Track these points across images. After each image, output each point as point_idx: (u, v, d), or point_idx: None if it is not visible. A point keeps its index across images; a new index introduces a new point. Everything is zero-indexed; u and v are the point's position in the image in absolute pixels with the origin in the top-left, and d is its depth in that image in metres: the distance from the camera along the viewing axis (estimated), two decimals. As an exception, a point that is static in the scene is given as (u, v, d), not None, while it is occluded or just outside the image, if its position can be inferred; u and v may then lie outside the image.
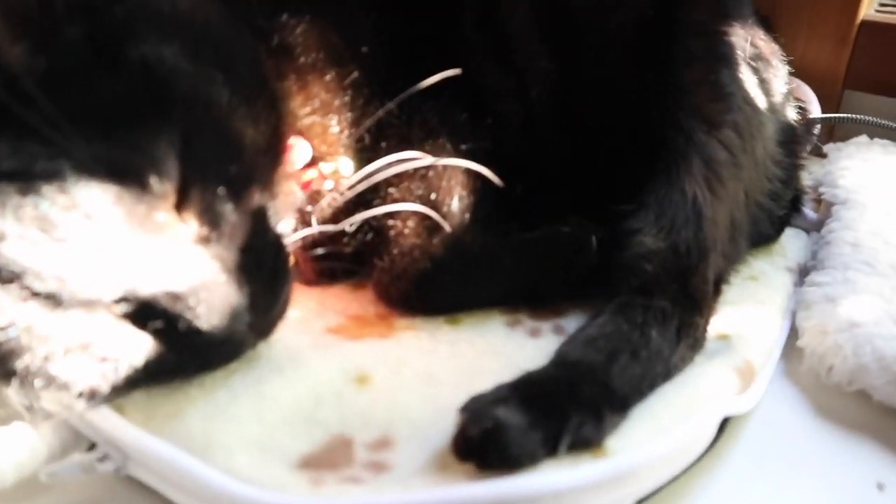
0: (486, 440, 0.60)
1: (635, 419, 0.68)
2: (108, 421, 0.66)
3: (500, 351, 0.80)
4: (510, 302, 0.86)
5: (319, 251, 0.79)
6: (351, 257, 0.85)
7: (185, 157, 0.62)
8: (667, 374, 0.75)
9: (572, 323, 0.85)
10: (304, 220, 0.80)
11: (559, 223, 0.87)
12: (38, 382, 0.63)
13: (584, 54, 0.93)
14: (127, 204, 0.59)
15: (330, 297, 0.87)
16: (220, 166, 0.65)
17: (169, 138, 0.61)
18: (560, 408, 0.63)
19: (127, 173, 0.59)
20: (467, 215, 0.84)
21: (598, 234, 0.86)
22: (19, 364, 0.61)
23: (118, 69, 0.62)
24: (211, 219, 0.65)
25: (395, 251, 0.82)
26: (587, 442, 0.63)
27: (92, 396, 0.64)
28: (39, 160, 0.58)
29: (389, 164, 0.79)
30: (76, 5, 0.63)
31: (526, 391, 0.64)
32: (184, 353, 0.65)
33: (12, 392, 0.68)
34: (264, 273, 0.67)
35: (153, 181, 0.60)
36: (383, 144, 0.82)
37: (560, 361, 0.71)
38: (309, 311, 0.82)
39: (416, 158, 0.79)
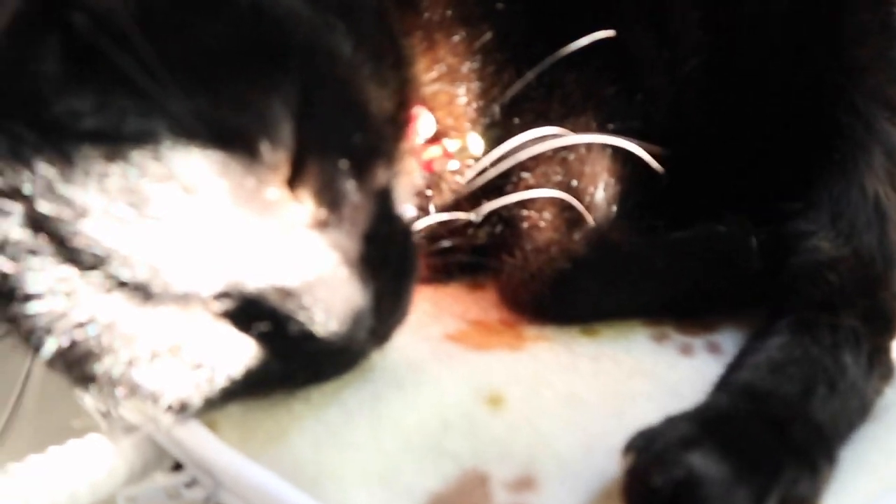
0: (677, 494, 0.47)
1: (847, 470, 0.54)
2: (198, 439, 0.55)
3: (649, 370, 0.67)
4: (656, 311, 0.73)
5: (442, 244, 0.67)
6: (470, 252, 0.72)
7: (301, 120, 0.51)
8: (863, 410, 0.62)
9: (728, 340, 0.71)
10: (422, 206, 0.68)
11: (711, 221, 0.73)
12: (119, 390, 0.52)
13: (741, 26, 0.79)
14: (233, 175, 0.48)
15: (446, 297, 0.74)
16: (343, 134, 0.53)
17: (284, 96, 0.50)
18: (769, 456, 0.49)
19: (234, 136, 0.48)
20: (614, 207, 0.71)
21: (759, 235, 0.72)
22: (99, 368, 0.50)
23: (224, 9, 0.50)
24: (330, 198, 0.53)
25: (529, 247, 0.69)
26: (801, 501, 0.49)
27: (181, 409, 0.54)
28: (130, 117, 0.47)
29: (527, 143, 0.66)
30: None
31: (720, 431, 0.51)
32: (292, 361, 0.54)
33: (89, 399, 0.58)
34: (390, 268, 0.55)
35: (264, 148, 0.49)
36: (516, 120, 0.70)
37: (746, 391, 0.58)
38: (423, 314, 0.70)
39: (559, 135, 0.66)
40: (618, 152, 0.71)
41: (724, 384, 0.61)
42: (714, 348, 0.71)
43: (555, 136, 0.66)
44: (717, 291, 0.73)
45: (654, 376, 0.66)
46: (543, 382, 0.63)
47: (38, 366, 0.60)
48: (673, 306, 0.72)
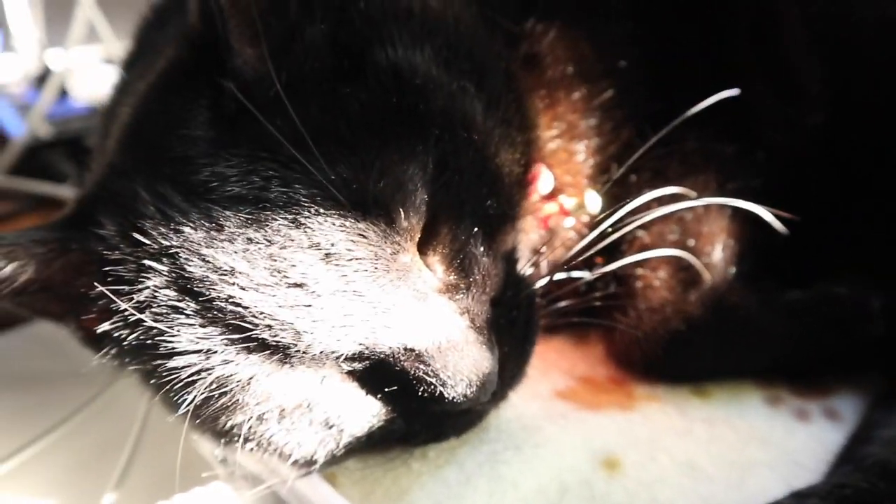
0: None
1: None
2: (320, 493, 0.55)
3: (766, 437, 0.64)
4: (770, 374, 0.70)
5: (557, 305, 0.66)
6: (578, 309, 0.71)
7: (436, 187, 0.51)
8: None
9: (847, 406, 0.69)
10: (536, 263, 0.68)
11: (831, 282, 0.71)
12: (248, 442, 0.53)
13: (866, 81, 0.77)
14: (372, 244, 0.49)
15: (551, 352, 0.74)
16: (476, 200, 0.54)
17: (421, 164, 0.50)
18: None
19: (375, 204, 0.48)
20: (731, 269, 0.69)
21: (881, 297, 0.69)
22: (231, 422, 0.51)
23: (365, 77, 0.51)
24: (461, 264, 0.53)
25: (643, 306, 0.68)
26: None
27: (307, 464, 0.54)
28: (274, 184, 0.48)
29: (649, 204, 0.65)
30: (315, 3, 0.53)
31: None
32: (416, 421, 0.54)
33: (206, 446, 0.59)
34: (517, 332, 0.55)
35: (402, 215, 0.49)
36: (633, 178, 0.69)
37: (880, 469, 0.55)
38: (531, 369, 0.69)
39: (680, 197, 0.65)
40: (737, 212, 0.69)
41: (851, 458, 0.59)
42: (832, 414, 0.68)
43: (675, 196, 0.65)
44: (835, 356, 0.70)
45: (771, 444, 0.64)
46: (659, 447, 0.61)
47: (154, 411, 0.62)
48: (788, 370, 0.70)
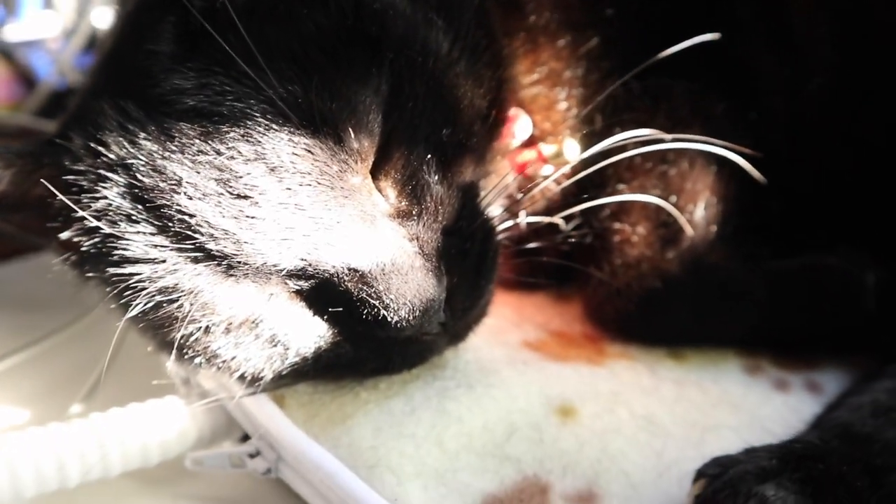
0: (746, 528, 0.43)
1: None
2: (266, 413, 0.55)
3: (738, 403, 0.63)
4: (752, 344, 0.68)
5: (527, 246, 0.65)
6: (557, 263, 0.70)
7: (390, 111, 0.51)
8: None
9: (831, 380, 0.66)
10: (512, 210, 0.67)
11: (823, 253, 0.68)
12: (196, 356, 0.54)
13: (876, 44, 0.73)
14: (319, 159, 0.49)
15: (528, 306, 0.73)
16: (431, 127, 0.53)
17: (376, 86, 0.51)
18: (857, 501, 0.45)
19: (323, 122, 0.49)
20: (714, 228, 0.67)
21: (875, 272, 0.66)
22: (179, 333, 0.52)
23: (325, 3, 0.52)
24: (413, 190, 0.53)
25: (619, 261, 0.67)
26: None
27: (253, 381, 0.55)
28: (227, 98, 0.49)
29: (620, 149, 0.63)
30: None
31: (804, 468, 0.47)
32: (362, 347, 0.54)
33: (171, 364, 0.60)
34: (469, 263, 0.55)
35: (352, 135, 0.50)
36: (617, 131, 0.67)
37: (842, 431, 0.53)
38: (503, 319, 0.69)
39: (654, 138, 0.63)
40: (722, 170, 0.67)
41: (819, 423, 0.57)
42: (814, 387, 0.65)
43: (652, 138, 0.63)
44: (822, 330, 0.67)
45: (742, 409, 0.62)
46: (620, 401, 0.60)
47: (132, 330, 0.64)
48: (771, 340, 0.68)
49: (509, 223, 0.64)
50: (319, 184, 0.49)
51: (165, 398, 0.59)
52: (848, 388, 0.62)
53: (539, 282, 0.70)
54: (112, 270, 0.52)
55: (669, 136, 0.62)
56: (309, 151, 0.49)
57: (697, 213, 0.67)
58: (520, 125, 0.65)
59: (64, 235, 0.54)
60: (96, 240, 0.52)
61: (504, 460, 0.54)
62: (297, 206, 0.49)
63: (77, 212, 0.52)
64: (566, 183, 0.66)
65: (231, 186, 0.49)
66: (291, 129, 0.48)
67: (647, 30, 0.67)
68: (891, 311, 0.65)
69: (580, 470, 0.54)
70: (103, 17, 1.20)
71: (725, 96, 0.68)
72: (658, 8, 0.67)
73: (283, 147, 0.48)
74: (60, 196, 0.51)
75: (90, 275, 0.55)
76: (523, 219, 0.65)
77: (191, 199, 0.49)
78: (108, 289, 0.54)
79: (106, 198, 0.51)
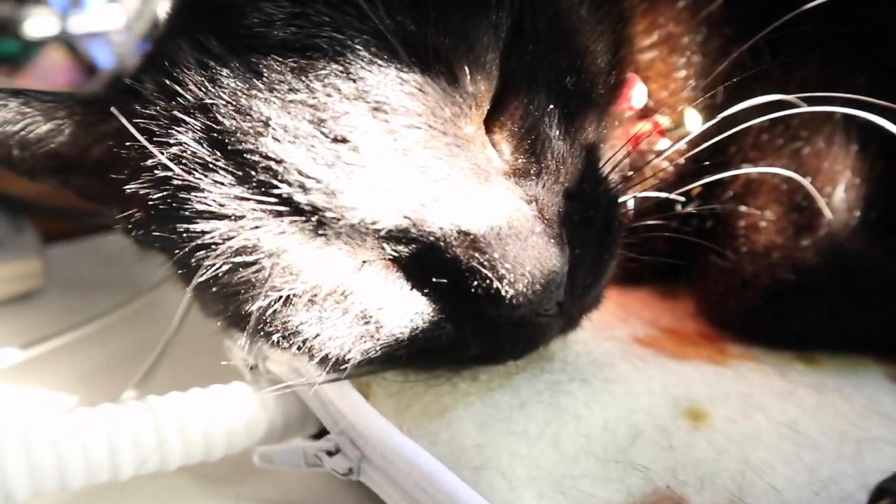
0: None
1: None
2: (350, 403, 0.48)
3: (889, 413, 0.54)
4: (893, 347, 0.59)
5: (645, 221, 0.57)
6: (666, 250, 0.62)
7: (509, 52, 0.44)
8: None
9: None
10: (624, 188, 0.59)
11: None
12: (273, 333, 0.47)
13: None
14: (429, 101, 0.42)
15: (633, 301, 0.65)
16: (555, 73, 0.46)
17: (493, 23, 0.44)
18: None
19: (437, 59, 0.42)
20: (856, 213, 0.58)
21: None
22: (255, 303, 0.45)
23: None
24: (532, 145, 0.46)
25: (745, 249, 0.58)
26: None
27: (337, 365, 0.47)
28: (325, 29, 0.42)
29: (748, 116, 0.54)
30: None
31: None
32: (465, 328, 0.46)
33: (236, 346, 0.53)
34: (592, 233, 0.47)
35: (468, 76, 0.43)
36: (744, 102, 0.59)
37: None
38: (607, 314, 0.60)
39: (787, 105, 0.54)
40: (866, 149, 0.59)
41: None
42: (976, 399, 0.56)
43: (785, 105, 0.54)
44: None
45: (894, 420, 0.53)
46: (755, 405, 0.51)
47: (193, 309, 0.57)
48: (918, 344, 0.59)
49: (622, 199, 0.56)
50: (431, 128, 0.42)
51: (232, 384, 0.52)
52: None
53: (648, 269, 0.61)
54: (183, 227, 0.45)
55: (803, 102, 0.54)
56: (420, 90, 0.42)
57: (837, 196, 0.58)
58: (636, 92, 0.58)
59: (130, 187, 0.47)
60: (167, 192, 0.46)
61: (629, 468, 0.45)
62: (404, 153, 0.42)
63: (146, 160, 0.46)
64: (683, 159, 0.59)
65: (327, 128, 0.42)
66: (400, 65, 0.42)
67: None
68: None
69: (720, 483, 0.45)
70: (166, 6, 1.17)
71: (868, 64, 0.60)
72: None
73: (390, 84, 0.42)
74: (136, 134, 0.45)
75: (157, 233, 0.48)
76: (633, 196, 0.57)
77: (279, 142, 0.42)
78: (176, 250, 0.47)
79: (180, 143, 0.45)
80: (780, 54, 0.59)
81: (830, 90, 0.58)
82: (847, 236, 0.58)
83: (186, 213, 0.45)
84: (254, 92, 0.43)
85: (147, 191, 0.47)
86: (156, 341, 0.60)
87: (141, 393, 0.57)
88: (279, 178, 0.42)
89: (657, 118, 0.59)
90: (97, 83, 1.10)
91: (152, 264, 0.55)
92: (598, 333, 0.57)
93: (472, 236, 0.43)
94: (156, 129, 0.46)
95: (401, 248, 0.44)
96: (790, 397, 0.53)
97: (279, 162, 0.42)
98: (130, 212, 0.49)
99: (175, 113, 0.45)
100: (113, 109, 0.45)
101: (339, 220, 0.42)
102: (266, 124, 0.43)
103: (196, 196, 0.45)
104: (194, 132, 0.45)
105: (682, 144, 0.57)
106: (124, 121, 0.44)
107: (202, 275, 0.45)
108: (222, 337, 0.56)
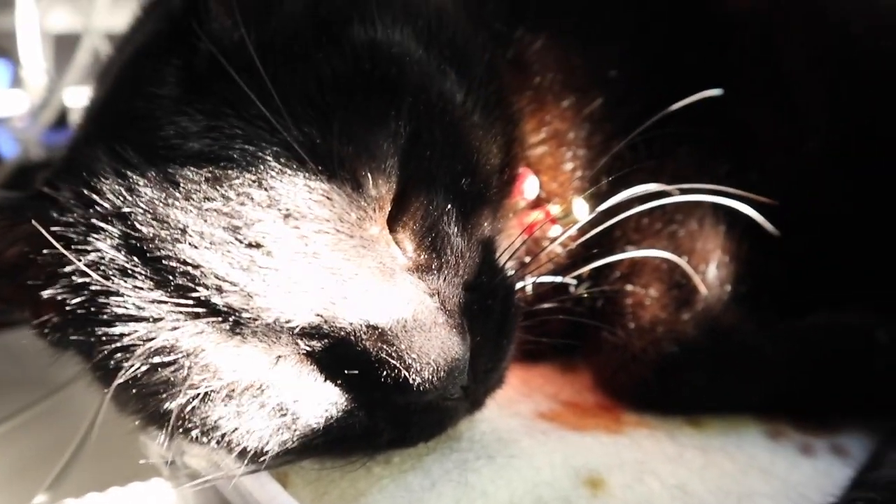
0: None
1: None
2: (268, 492, 0.50)
3: (767, 469, 0.59)
4: (771, 408, 0.65)
5: (541, 306, 0.62)
6: (562, 330, 0.67)
7: (408, 157, 0.49)
8: None
9: (855, 443, 0.63)
10: (520, 273, 0.64)
11: (834, 312, 0.67)
12: (192, 429, 0.49)
13: (867, 106, 0.75)
14: (336, 207, 0.46)
15: (535, 377, 0.69)
16: (451, 176, 0.51)
17: (394, 130, 0.48)
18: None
19: (341, 167, 0.46)
20: (727, 287, 0.65)
21: (888, 328, 0.65)
22: (174, 401, 0.47)
23: (341, 48, 0.50)
24: (432, 242, 0.50)
25: (632, 325, 0.64)
26: None
27: (255, 457, 0.49)
28: (237, 142, 0.46)
29: (631, 205, 0.61)
30: None
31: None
32: (377, 415, 0.49)
33: (154, 442, 0.54)
34: (491, 321, 0.51)
35: (370, 182, 0.47)
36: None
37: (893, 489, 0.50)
38: (511, 390, 0.64)
39: (663, 193, 0.61)
40: (732, 231, 0.66)
41: (862, 482, 0.54)
42: (839, 451, 0.63)
43: (661, 194, 0.61)
44: (840, 389, 0.65)
45: (773, 475, 0.58)
46: (647, 470, 0.56)
47: (106, 407, 0.58)
48: (790, 404, 0.65)
49: (518, 285, 0.61)
50: (339, 231, 0.46)
51: (150, 481, 0.52)
52: (878, 448, 0.59)
53: (547, 348, 0.66)
54: (102, 330, 0.47)
55: (676, 190, 0.61)
56: (327, 197, 0.45)
57: (710, 273, 0.65)
58: (528, 184, 0.63)
59: (47, 293, 0.49)
60: (84, 297, 0.48)
61: (535, 538, 0.49)
62: (315, 256, 0.45)
63: (63, 267, 0.47)
64: (574, 245, 0.64)
65: (242, 234, 0.45)
66: (308, 174, 0.45)
67: (650, 92, 0.66)
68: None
69: (618, 547, 0.49)
70: (75, 96, 1.18)
71: (729, 156, 0.67)
72: (661, 71, 0.67)
73: (299, 192, 0.45)
74: (55, 244, 0.46)
75: (74, 337, 0.49)
76: (530, 281, 0.62)
77: (197, 248, 0.45)
78: (93, 353, 0.48)
79: (98, 250, 0.47)
80: (654, 149, 0.66)
81: (699, 179, 0.66)
82: (721, 310, 0.65)
83: (105, 316, 0.47)
84: (171, 200, 0.46)
85: (64, 296, 0.48)
86: (68, 441, 0.60)
87: (54, 496, 0.57)
88: (197, 281, 0.45)
89: (549, 207, 0.65)
90: (3, 172, 1.09)
91: (61, 362, 0.56)
92: (502, 411, 0.60)
93: (380, 330, 0.46)
94: (73, 236, 0.48)
95: (314, 343, 0.47)
96: (679, 460, 0.58)
97: (197, 267, 0.45)
98: (46, 316, 0.50)
99: (93, 221, 0.47)
100: (33, 222, 0.47)
101: (255, 319, 0.45)
102: (183, 231, 0.45)
103: (114, 300, 0.46)
104: (112, 239, 0.47)
105: (572, 231, 0.63)
106: (44, 231, 0.46)
107: (121, 376, 0.46)
108: (137, 435, 0.57)
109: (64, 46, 1.26)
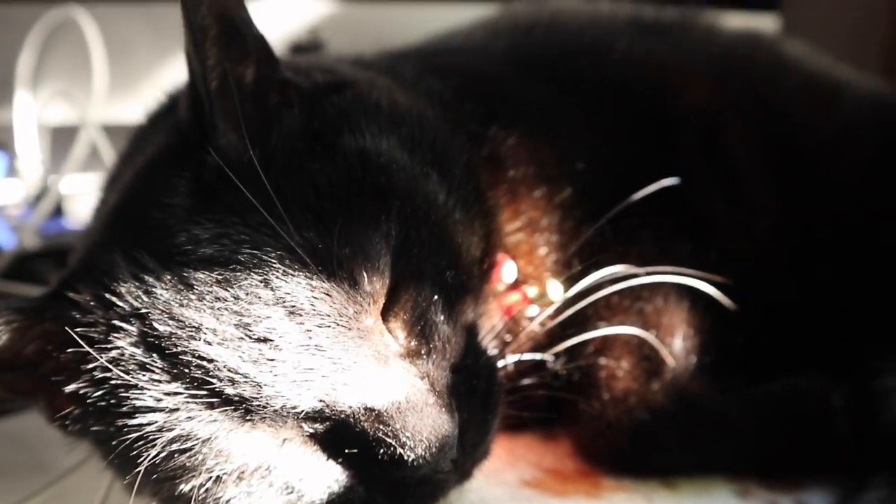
0: None
1: None
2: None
3: (737, 526, 0.64)
4: (739, 469, 0.70)
5: (522, 382, 0.67)
6: (543, 403, 0.72)
7: (398, 255, 0.55)
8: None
9: (818, 499, 0.68)
10: (500, 351, 0.69)
11: (793, 377, 0.72)
12: (205, 511, 0.53)
13: (808, 191, 0.83)
14: (335, 303, 0.51)
15: (519, 446, 0.74)
16: (436, 270, 0.57)
17: (384, 233, 0.54)
18: None
19: (339, 267, 0.52)
20: (693, 358, 0.71)
21: (843, 391, 0.71)
22: (189, 484, 0.51)
23: (334, 157, 0.56)
24: (422, 330, 0.55)
25: (607, 396, 0.69)
26: None
27: (264, 534, 0.53)
28: (244, 246, 0.51)
29: (601, 285, 0.67)
30: (292, 95, 0.59)
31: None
32: (375, 490, 0.54)
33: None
34: (477, 400, 0.56)
35: (366, 278, 0.52)
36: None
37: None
38: (497, 460, 0.69)
39: (631, 274, 0.67)
40: (695, 305, 0.72)
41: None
42: (804, 507, 0.68)
43: (629, 275, 0.67)
44: (801, 451, 0.70)
45: (741, 532, 0.63)
46: (626, 533, 0.61)
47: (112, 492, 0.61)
48: (756, 464, 0.70)
49: (501, 364, 0.66)
50: (338, 325, 0.51)
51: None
52: (840, 501, 0.64)
53: (530, 419, 0.71)
54: (123, 421, 0.51)
55: (643, 271, 0.67)
56: (327, 294, 0.51)
57: (676, 345, 0.71)
58: (506, 269, 0.69)
59: (70, 388, 0.53)
60: (105, 390, 0.52)
61: None
62: (317, 348, 0.50)
63: (86, 364, 0.52)
64: (551, 324, 0.70)
65: (251, 331, 0.50)
66: (309, 274, 0.51)
67: (614, 182, 0.73)
68: (861, 428, 0.69)
69: None
70: (71, 186, 1.23)
71: (689, 238, 0.74)
72: (623, 162, 0.74)
73: (302, 291, 0.50)
74: (83, 344, 0.51)
75: (95, 428, 0.53)
76: (511, 359, 0.67)
77: (210, 344, 0.50)
78: (113, 442, 0.52)
79: (118, 348, 0.51)
80: (621, 234, 0.72)
81: (662, 261, 0.72)
82: (688, 379, 0.70)
83: (125, 408, 0.51)
84: (185, 301, 0.51)
85: (86, 390, 0.52)
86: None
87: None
88: (211, 374, 0.50)
89: (525, 289, 0.71)
90: (1, 261, 1.12)
91: (63, 447, 0.59)
92: (489, 480, 0.65)
93: (376, 412, 0.51)
94: (94, 335, 0.52)
95: (317, 425, 0.52)
96: (657, 521, 0.63)
97: (211, 361, 0.50)
98: (68, 409, 0.54)
99: (113, 321, 0.52)
100: (68, 329, 0.51)
101: (264, 407, 0.50)
102: (198, 329, 0.50)
103: (134, 393, 0.51)
104: (131, 337, 0.51)
105: (549, 311, 0.69)
106: (73, 333, 0.51)
107: (142, 463, 0.51)
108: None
109: (60, 138, 1.32)
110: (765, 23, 1.78)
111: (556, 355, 0.69)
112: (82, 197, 1.28)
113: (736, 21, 1.01)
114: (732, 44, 0.93)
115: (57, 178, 1.24)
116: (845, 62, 0.99)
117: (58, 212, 1.25)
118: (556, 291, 0.70)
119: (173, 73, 0.76)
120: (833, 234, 0.81)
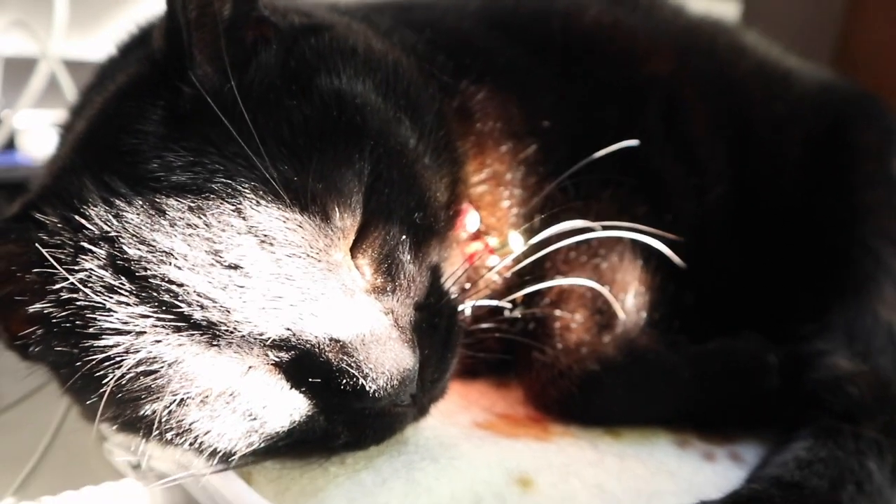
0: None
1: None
2: (234, 489, 0.55)
3: (674, 472, 0.68)
4: (680, 421, 0.74)
5: (480, 325, 0.69)
6: (498, 347, 0.75)
7: (369, 194, 0.56)
8: (891, 519, 0.62)
9: (750, 451, 0.73)
10: (461, 298, 0.71)
11: (732, 337, 0.77)
12: (167, 432, 0.54)
13: (761, 164, 0.87)
14: (307, 235, 0.52)
15: (472, 392, 0.76)
16: (405, 211, 0.58)
17: (357, 171, 0.55)
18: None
19: (313, 201, 0.53)
20: (643, 314, 0.74)
21: (777, 352, 0.75)
22: (152, 407, 0.52)
23: (311, 96, 0.57)
24: (388, 267, 0.57)
25: (560, 346, 0.72)
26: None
27: (224, 458, 0.55)
28: (217, 175, 0.52)
29: (560, 238, 0.70)
30: (271, 34, 0.60)
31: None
32: (335, 420, 0.56)
33: (118, 448, 0.59)
34: (438, 337, 0.58)
35: (337, 214, 0.54)
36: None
37: (775, 482, 0.59)
38: (451, 404, 0.71)
39: (587, 228, 0.70)
40: (648, 264, 0.75)
41: (751, 479, 0.63)
42: (736, 457, 0.72)
43: (585, 228, 0.70)
44: (737, 404, 0.74)
45: (678, 477, 0.67)
46: (571, 472, 0.64)
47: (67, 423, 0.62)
48: (695, 417, 0.74)
49: (461, 307, 0.68)
50: (308, 256, 0.52)
51: (122, 480, 0.57)
52: (769, 452, 0.69)
53: (484, 362, 0.73)
54: (89, 342, 0.52)
55: (599, 226, 0.69)
56: (299, 226, 0.52)
57: (628, 301, 0.74)
58: (469, 219, 0.71)
59: (34, 308, 0.53)
60: (71, 311, 0.52)
61: (473, 528, 0.56)
62: (287, 277, 0.51)
63: (52, 284, 0.52)
64: (509, 273, 0.72)
65: (222, 257, 0.51)
66: (282, 206, 0.52)
67: (578, 141, 0.76)
68: (791, 386, 0.73)
69: (546, 535, 0.56)
70: (25, 119, 1.20)
71: (646, 199, 0.77)
72: (587, 122, 0.77)
73: (275, 222, 0.51)
74: (54, 262, 0.51)
75: (58, 348, 0.54)
76: (470, 304, 0.70)
77: (180, 269, 0.51)
78: (77, 363, 0.53)
79: (86, 269, 0.52)
80: (582, 191, 0.74)
81: (619, 218, 0.75)
82: (637, 333, 0.74)
83: (91, 329, 0.52)
84: (157, 226, 0.51)
85: (52, 310, 0.53)
86: (32, 451, 0.64)
87: (21, 498, 0.61)
88: (179, 298, 0.50)
89: (487, 239, 0.73)
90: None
91: (13, 376, 0.59)
92: (444, 420, 0.67)
93: (341, 343, 0.53)
94: (61, 256, 0.52)
95: (282, 354, 0.53)
96: (600, 464, 0.66)
97: (181, 285, 0.50)
98: (30, 329, 0.54)
99: (81, 243, 0.52)
100: (38, 246, 0.51)
101: (231, 332, 0.51)
102: (168, 254, 0.51)
103: (101, 315, 0.51)
104: (99, 260, 0.52)
105: (508, 261, 0.71)
106: (43, 251, 0.51)
107: (108, 384, 0.51)
108: (101, 442, 0.61)
109: (15, 70, 1.29)
110: (727, 10, 1.84)
111: (514, 304, 0.72)
112: (37, 132, 1.26)
113: (699, 6, 1.05)
114: (696, 24, 0.98)
115: (10, 112, 1.21)
116: (801, 52, 1.04)
117: (10, 146, 1.23)
118: (517, 243, 0.73)
119: (139, 10, 0.76)
120: (778, 206, 0.85)
